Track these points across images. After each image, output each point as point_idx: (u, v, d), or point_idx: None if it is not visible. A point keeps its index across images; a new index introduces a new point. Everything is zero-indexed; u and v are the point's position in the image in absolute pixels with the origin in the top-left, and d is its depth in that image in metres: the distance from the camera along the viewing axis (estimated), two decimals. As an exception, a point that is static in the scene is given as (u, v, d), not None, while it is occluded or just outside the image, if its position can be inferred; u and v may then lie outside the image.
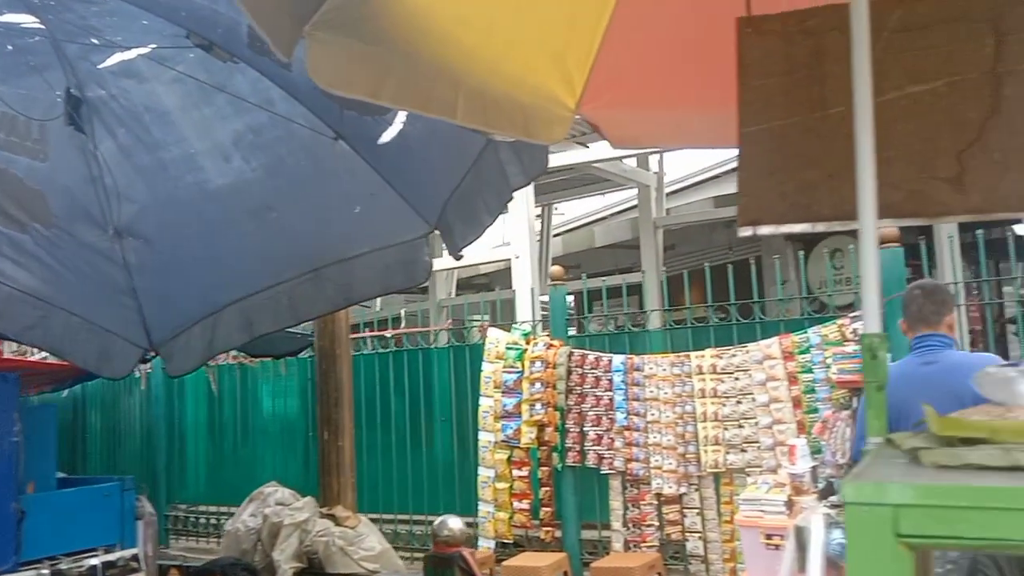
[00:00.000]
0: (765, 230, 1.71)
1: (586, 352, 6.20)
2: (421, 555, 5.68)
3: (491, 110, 2.18)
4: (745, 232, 1.66)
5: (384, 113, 3.03)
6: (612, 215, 13.42)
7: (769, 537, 4.86)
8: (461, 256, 3.21)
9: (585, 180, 10.89)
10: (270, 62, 3.25)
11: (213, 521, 8.16)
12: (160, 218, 3.92)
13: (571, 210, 14.99)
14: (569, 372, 6.18)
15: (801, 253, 6.53)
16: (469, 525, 6.68)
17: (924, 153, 1.56)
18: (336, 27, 1.70)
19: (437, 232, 3.48)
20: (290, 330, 5.71)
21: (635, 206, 11.11)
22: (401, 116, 3.01)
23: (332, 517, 5.15)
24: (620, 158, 9.71)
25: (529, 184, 2.59)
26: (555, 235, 13.12)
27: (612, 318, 6.92)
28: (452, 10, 1.99)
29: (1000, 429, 0.90)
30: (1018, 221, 6.74)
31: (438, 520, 4.94)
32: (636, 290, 9.16)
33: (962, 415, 0.97)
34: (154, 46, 3.34)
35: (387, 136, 3.22)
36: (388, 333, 7.36)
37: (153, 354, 4.33)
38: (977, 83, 1.55)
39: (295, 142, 3.58)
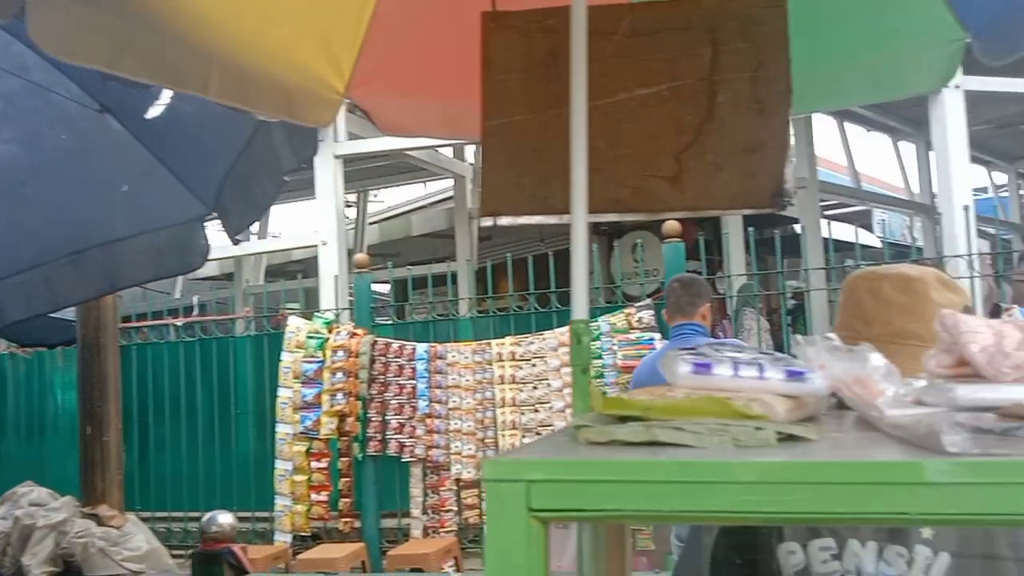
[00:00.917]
0: (504, 221, 1.75)
1: (390, 340, 6.16)
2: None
3: (251, 89, 2.10)
4: (486, 223, 1.70)
5: (148, 86, 2.84)
6: (430, 204, 13.41)
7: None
8: (238, 241, 3.08)
9: (402, 168, 10.82)
10: (23, 24, 2.96)
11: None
12: None
13: (392, 198, 14.88)
14: (372, 361, 6.13)
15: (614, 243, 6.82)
16: (264, 520, 6.50)
17: (648, 152, 1.65)
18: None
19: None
20: (64, 317, 5.26)
21: (452, 196, 11.18)
22: (167, 90, 2.84)
23: (95, 517, 4.80)
24: (436, 147, 9.71)
25: (299, 167, 2.52)
26: (372, 223, 12.95)
27: (427, 306, 6.93)
28: (198, -20, 1.89)
29: (651, 407, 0.95)
30: (791, 217, 7.36)
31: (206, 516, 4.76)
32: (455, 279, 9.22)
33: (629, 395, 1.03)
34: None
35: (155, 111, 3.02)
36: (178, 321, 6.96)
37: None
38: (695, 89, 1.66)
39: (54, 113, 3.28)
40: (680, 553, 1.72)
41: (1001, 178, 14.19)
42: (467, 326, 6.49)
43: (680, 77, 1.67)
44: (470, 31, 2.06)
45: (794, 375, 1.04)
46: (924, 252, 8.88)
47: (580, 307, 1.35)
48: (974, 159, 12.96)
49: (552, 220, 1.67)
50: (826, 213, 12.46)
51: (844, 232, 11.68)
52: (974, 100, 6.95)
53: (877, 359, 1.01)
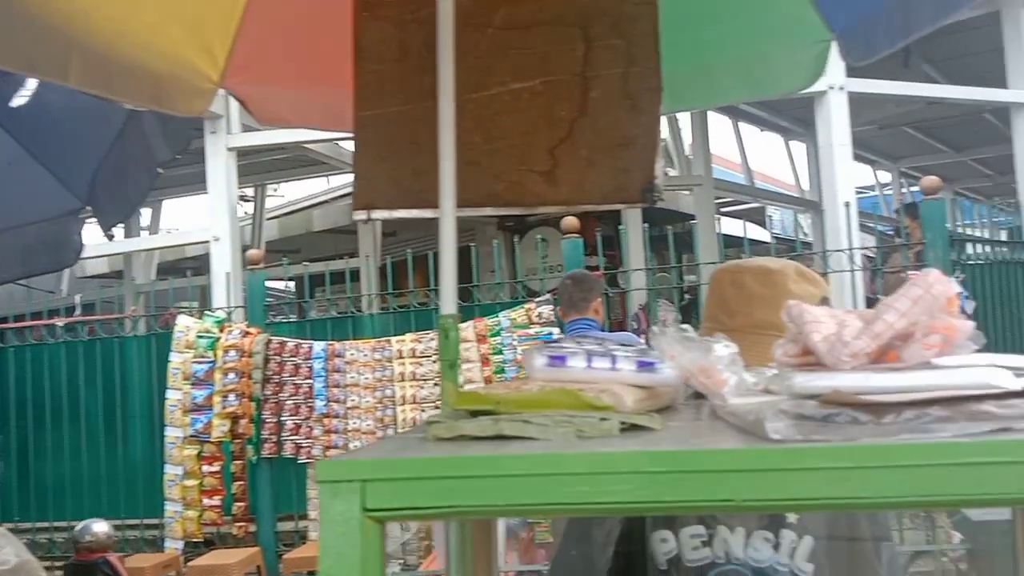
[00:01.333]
0: (379, 215, 1.72)
1: (285, 339, 6.01)
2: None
3: (116, 76, 2.00)
4: (359, 216, 1.66)
5: (10, 73, 2.68)
6: (332, 199, 13.16)
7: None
8: (112, 235, 2.93)
9: (302, 162, 10.57)
10: None
11: None
12: None
13: (293, 192, 14.53)
14: (267, 360, 5.96)
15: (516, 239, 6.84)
16: (154, 527, 6.25)
17: (523, 147, 1.65)
18: None
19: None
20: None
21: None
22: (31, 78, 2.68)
23: (-44, 531, 4.51)
24: (336, 140, 9.53)
25: (173, 159, 2.43)
26: (271, 218, 12.62)
27: (326, 304, 6.78)
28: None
29: (504, 401, 0.95)
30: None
31: (80, 525, 4.55)
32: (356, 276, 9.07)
33: (486, 389, 1.03)
34: None
35: (20, 100, 2.85)
36: (60, 321, 6.61)
37: None
38: (568, 84, 1.67)
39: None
40: (558, 545, 1.73)
41: (885, 176, 14.96)
42: (369, 323, 6.40)
43: (553, 72, 1.67)
44: (346, 20, 2.01)
45: (645, 366, 1.06)
46: (813, 247, 9.28)
47: (448, 302, 1.34)
48: (860, 158, 13.61)
49: (428, 214, 1.65)
50: (722, 210, 12.87)
51: (738, 228, 12.08)
52: (858, 102, 7.28)
53: (721, 349, 1.03)
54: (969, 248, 5.59)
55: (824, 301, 1.50)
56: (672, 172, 11.64)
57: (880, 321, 1.02)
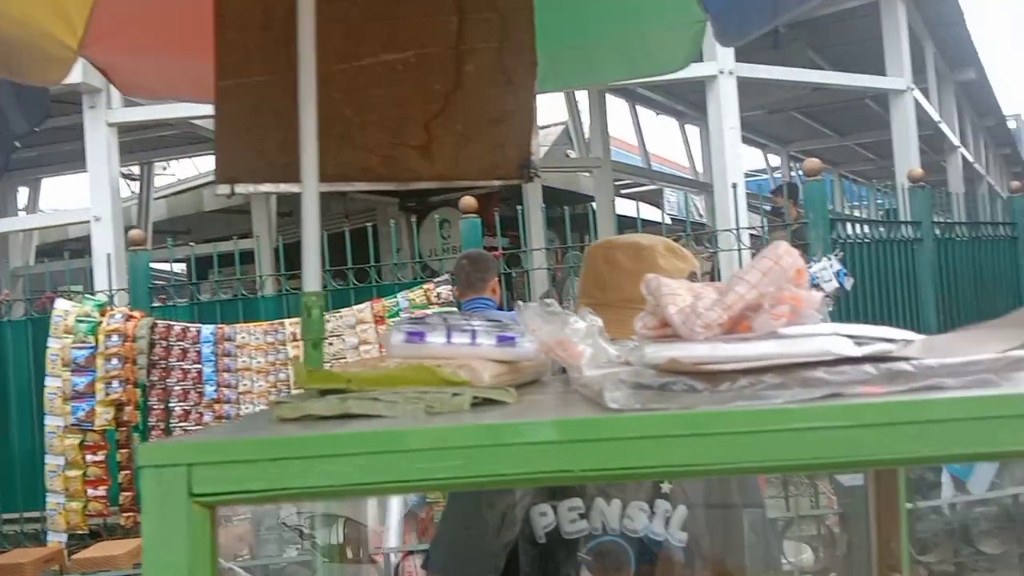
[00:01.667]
0: (244, 189, 1.66)
1: (171, 323, 5.78)
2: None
3: (-38, 43, 1.85)
4: (223, 191, 1.59)
5: None
6: (225, 178, 12.71)
7: (354, 499, 5.01)
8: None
9: (191, 139, 10.14)
10: None
11: None
12: None
13: (185, 171, 13.95)
14: (152, 345, 5.72)
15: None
16: (35, 520, 5.95)
17: (397, 120, 1.62)
18: None
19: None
20: None
21: (246, 169, 10.63)
22: None
23: None
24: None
25: (31, 132, 2.27)
26: (159, 197, 12.11)
27: (214, 287, 6.53)
28: None
29: (355, 379, 0.92)
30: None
31: None
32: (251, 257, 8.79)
33: (340, 367, 1.00)
34: None
35: None
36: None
37: None
38: (443, 57, 1.64)
39: None
40: (440, 522, 1.71)
41: (775, 160, 15.52)
42: (262, 306, 6.22)
43: (427, 44, 1.64)
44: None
45: (505, 340, 1.05)
46: (706, 226, 9.54)
47: (311, 279, 1.30)
48: (751, 142, 14.06)
49: (295, 189, 1.59)
50: (622, 192, 13.09)
51: (639, 210, 12.31)
52: (748, 86, 7.50)
53: (577, 322, 1.03)
54: (849, 228, 5.86)
55: (692, 276, 1.53)
56: (572, 154, 11.76)
57: (732, 293, 1.04)
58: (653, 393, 0.74)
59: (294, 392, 0.96)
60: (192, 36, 2.01)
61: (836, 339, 0.88)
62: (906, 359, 0.76)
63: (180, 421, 5.68)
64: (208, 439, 0.75)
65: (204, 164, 13.19)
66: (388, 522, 4.46)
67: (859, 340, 0.90)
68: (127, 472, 5.72)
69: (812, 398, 0.72)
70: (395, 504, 4.54)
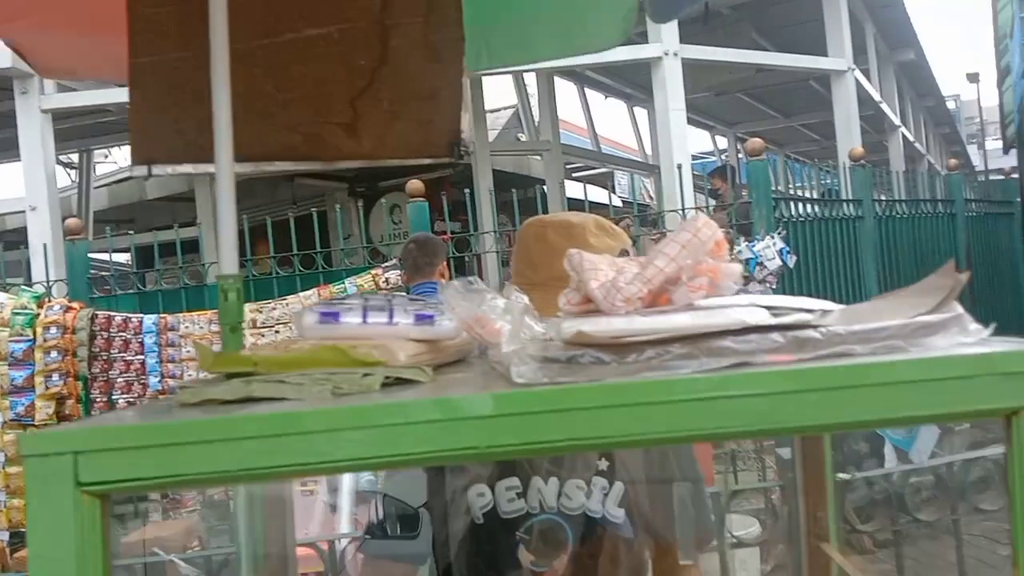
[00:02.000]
0: (161, 170, 1.60)
1: (112, 314, 5.64)
2: None
3: None
4: (139, 172, 1.54)
5: None
6: (169, 165, 12.40)
7: (304, 484, 4.95)
8: None
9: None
10: None
11: None
12: None
13: (126, 158, 13.57)
14: (93, 337, 5.57)
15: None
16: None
17: (320, 97, 1.57)
18: None
19: None
20: None
21: (189, 156, 10.39)
22: None
23: None
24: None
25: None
26: (100, 186, 11.79)
27: (160, 275, 6.37)
28: None
29: (262, 361, 0.89)
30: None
31: None
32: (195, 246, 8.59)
33: (251, 349, 0.97)
34: None
35: None
36: None
37: None
38: (367, 32, 1.60)
39: None
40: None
41: (723, 142, 15.67)
42: (207, 295, 6.09)
43: (350, 19, 1.59)
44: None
45: (423, 319, 1.02)
46: (650, 208, 9.60)
47: (228, 262, 1.25)
48: (699, 124, 14.17)
49: (212, 169, 1.54)
50: (574, 175, 13.10)
51: (592, 193, 12.35)
52: (693, 68, 7.54)
53: (497, 299, 1.01)
54: (792, 207, 5.93)
55: (623, 253, 1.52)
56: (523, 137, 11.73)
57: (651, 266, 1.03)
58: (561, 367, 0.72)
59: (200, 377, 0.93)
60: (105, 12, 1.93)
61: (751, 310, 0.87)
62: (814, 327, 0.75)
63: (123, 414, 5.54)
64: (95, 425, 0.71)
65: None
66: (340, 508, 4.42)
67: (776, 311, 0.90)
68: (69, 468, 5.59)
69: (719, 367, 0.71)
70: (346, 487, 4.51)
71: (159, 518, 5.57)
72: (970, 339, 0.74)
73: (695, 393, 0.68)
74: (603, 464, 1.59)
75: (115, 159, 13.81)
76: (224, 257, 1.25)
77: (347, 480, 4.64)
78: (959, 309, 0.76)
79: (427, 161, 1.65)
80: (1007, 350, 0.69)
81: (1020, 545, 0.69)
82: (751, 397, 0.68)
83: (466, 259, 7.00)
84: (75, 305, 5.59)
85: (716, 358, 0.72)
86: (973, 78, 22.78)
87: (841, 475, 2.67)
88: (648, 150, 12.17)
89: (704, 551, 1.74)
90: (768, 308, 0.90)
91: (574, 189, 11.26)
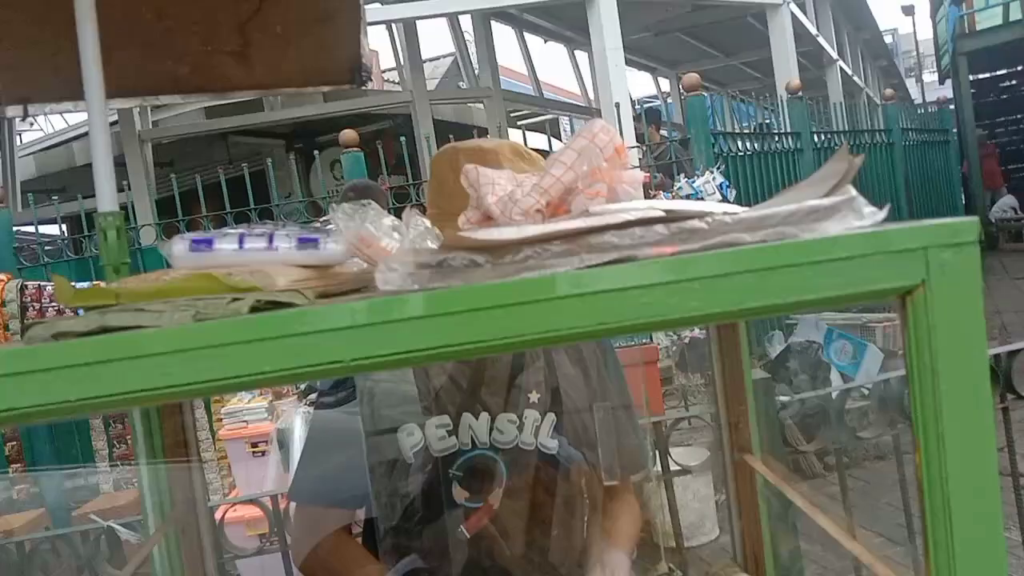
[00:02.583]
0: (40, 109, 1.49)
1: (43, 284, 5.44)
2: None
3: None
4: (15, 112, 1.43)
5: None
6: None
7: (255, 445, 4.88)
8: None
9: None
10: None
11: None
12: None
13: (52, 125, 13.05)
14: (25, 309, 5.38)
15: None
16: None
17: (206, 24, 1.47)
18: None
19: None
20: None
21: (118, 120, 10.02)
22: None
23: None
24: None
25: None
26: (27, 154, 11.35)
27: (91, 240, 6.15)
28: None
29: (126, 293, 0.82)
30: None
31: None
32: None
33: (120, 282, 0.90)
34: None
35: None
36: None
37: None
38: (254, -47, 1.50)
39: None
40: (303, 449, 1.64)
41: (666, 84, 15.63)
42: (143, 257, 5.91)
43: (233, -62, 1.49)
44: None
45: (306, 242, 0.96)
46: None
47: (106, 199, 1.17)
48: (641, 66, 14.08)
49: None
50: (520, 123, 12.97)
51: (533, 140, 12.24)
52: (629, 7, 7.44)
53: (384, 217, 0.95)
54: (732, 142, 5.93)
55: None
56: (463, 85, 11.53)
57: (548, 176, 0.98)
58: (432, 272, 0.67)
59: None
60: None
61: (647, 211, 0.83)
62: (700, 217, 0.71)
63: (61, 387, 5.39)
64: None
65: (74, 118, 12.38)
66: (292, 463, 4.37)
67: (676, 214, 0.86)
68: (13, 443, 5.44)
69: (600, 263, 0.67)
70: (297, 445, 4.45)
71: (111, 489, 5.47)
72: (864, 222, 0.70)
73: (575, 289, 0.64)
74: (535, 397, 1.57)
75: (41, 127, 13.27)
76: (102, 194, 1.17)
77: (297, 439, 4.59)
78: (852, 192, 0.73)
79: (326, 88, 1.57)
80: (899, 227, 0.65)
81: (920, 430, 0.66)
82: (631, 290, 0.64)
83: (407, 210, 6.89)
84: (2, 277, 5.38)
85: (597, 254, 0.67)
86: (908, 11, 23.00)
87: (781, 397, 2.69)
88: (592, 95, 12.07)
89: (639, 475, 1.73)
90: (666, 211, 0.86)
91: (517, 137, 11.14)
